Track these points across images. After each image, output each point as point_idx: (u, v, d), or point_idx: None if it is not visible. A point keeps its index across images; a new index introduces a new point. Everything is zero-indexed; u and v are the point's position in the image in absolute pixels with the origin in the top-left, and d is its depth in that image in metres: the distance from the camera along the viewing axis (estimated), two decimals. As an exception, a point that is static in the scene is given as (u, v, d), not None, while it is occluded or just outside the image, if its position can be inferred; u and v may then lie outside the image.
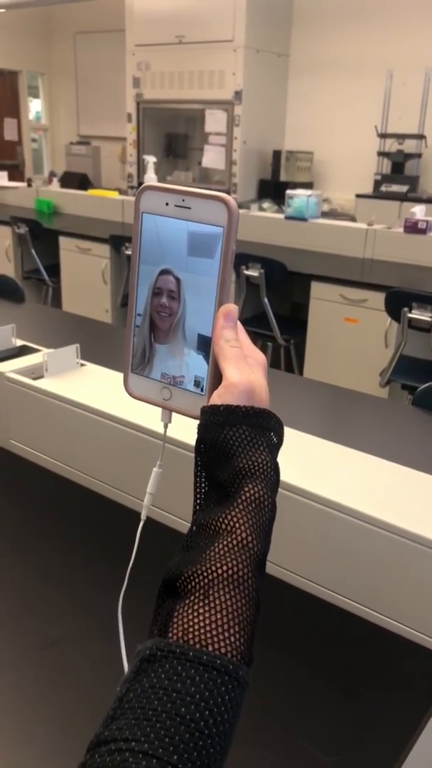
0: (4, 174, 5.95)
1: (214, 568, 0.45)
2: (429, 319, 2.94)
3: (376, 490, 1.06)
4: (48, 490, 1.34)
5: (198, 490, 0.52)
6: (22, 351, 1.60)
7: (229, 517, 0.48)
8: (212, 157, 6.45)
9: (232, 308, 0.55)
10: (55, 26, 8.41)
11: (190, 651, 0.41)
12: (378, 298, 3.20)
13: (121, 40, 6.63)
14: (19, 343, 1.63)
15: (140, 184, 6.43)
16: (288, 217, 4.29)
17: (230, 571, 0.45)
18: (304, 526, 1.05)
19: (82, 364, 1.51)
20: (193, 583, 0.45)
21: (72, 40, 8.32)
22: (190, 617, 0.43)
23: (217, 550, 0.46)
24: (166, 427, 0.62)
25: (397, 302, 3.04)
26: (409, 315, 2.99)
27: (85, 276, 4.47)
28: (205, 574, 0.45)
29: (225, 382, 0.53)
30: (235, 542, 0.47)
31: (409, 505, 1.02)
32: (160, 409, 0.61)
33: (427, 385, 1.79)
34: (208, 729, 0.39)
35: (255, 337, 3.79)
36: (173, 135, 7.12)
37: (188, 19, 6.12)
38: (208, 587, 0.44)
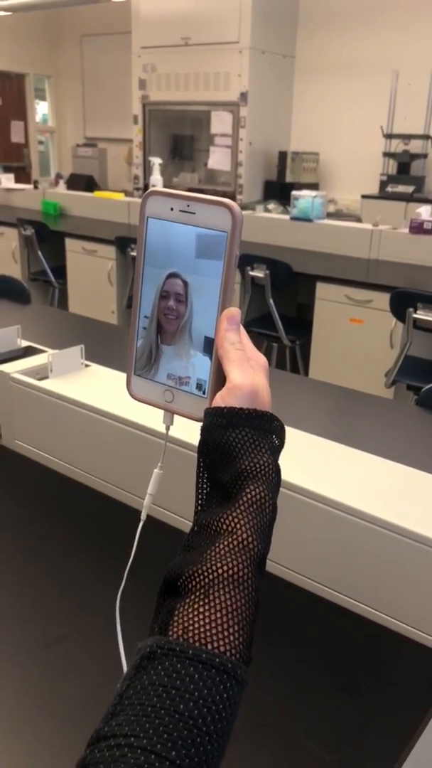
0: (11, 176, 5.98)
1: (214, 568, 0.46)
2: (434, 320, 2.94)
3: (380, 491, 1.06)
4: (52, 490, 1.34)
5: (200, 490, 0.53)
6: (28, 352, 1.60)
7: (230, 517, 0.48)
8: (218, 159, 6.46)
9: (235, 312, 0.56)
10: (62, 29, 8.44)
11: (190, 649, 0.42)
12: (383, 299, 3.19)
13: (128, 43, 6.65)
14: (25, 344, 1.63)
15: (146, 185, 6.45)
16: (293, 218, 4.29)
17: (231, 571, 0.46)
18: (307, 525, 1.05)
19: (86, 365, 1.51)
20: (193, 583, 0.45)
21: (78, 43, 8.34)
22: (191, 616, 0.44)
23: (218, 550, 0.47)
24: (167, 429, 0.63)
25: (402, 303, 3.03)
26: (415, 315, 2.99)
27: (91, 277, 4.48)
28: (205, 573, 0.46)
29: (229, 384, 0.54)
30: (236, 543, 0.47)
31: (413, 505, 1.02)
32: (162, 411, 0.62)
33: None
34: (207, 726, 0.39)
35: (260, 338, 3.79)
36: (179, 137, 7.13)
37: (194, 21, 6.13)
38: (209, 587, 0.45)
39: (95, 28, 7.96)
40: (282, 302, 3.67)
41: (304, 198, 4.25)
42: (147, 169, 6.42)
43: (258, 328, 3.73)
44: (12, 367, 1.47)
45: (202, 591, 0.45)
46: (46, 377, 1.44)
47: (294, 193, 4.34)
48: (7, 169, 6.32)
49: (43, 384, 1.40)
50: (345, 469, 1.13)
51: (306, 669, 0.89)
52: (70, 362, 1.48)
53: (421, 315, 2.98)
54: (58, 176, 5.97)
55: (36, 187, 5.69)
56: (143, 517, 0.63)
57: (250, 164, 6.35)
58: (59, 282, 4.69)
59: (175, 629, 0.44)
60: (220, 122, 6.33)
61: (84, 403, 1.32)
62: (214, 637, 0.43)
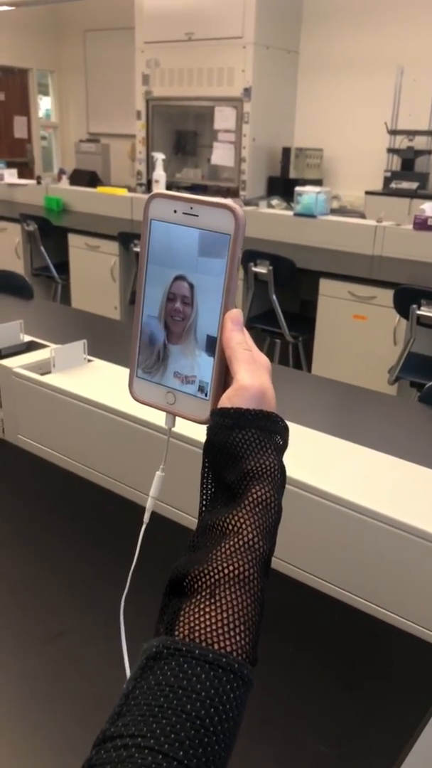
0: (14, 171, 5.97)
1: (220, 568, 0.46)
2: (438, 317, 2.94)
3: (383, 487, 1.06)
4: (55, 485, 1.34)
5: (205, 491, 0.53)
6: (30, 347, 1.61)
7: (236, 518, 0.49)
8: (221, 155, 6.44)
9: (237, 313, 0.56)
10: (65, 24, 8.42)
11: (196, 649, 0.42)
12: (387, 295, 3.19)
13: (131, 38, 6.63)
14: (27, 339, 1.64)
15: (149, 181, 6.45)
16: (297, 214, 4.28)
17: (236, 571, 0.46)
18: (310, 521, 1.05)
19: (89, 360, 1.51)
20: (199, 583, 0.46)
21: (82, 38, 8.33)
22: (197, 616, 0.44)
23: (223, 550, 0.47)
24: (169, 431, 0.63)
25: (405, 299, 3.03)
26: (418, 312, 2.98)
27: (94, 273, 4.48)
28: (211, 573, 0.46)
29: (236, 384, 0.54)
30: (241, 543, 0.47)
31: (416, 501, 1.02)
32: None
33: (434, 382, 1.78)
34: (213, 726, 0.39)
35: (263, 334, 3.79)
36: (182, 132, 7.11)
37: (198, 16, 6.11)
38: (215, 587, 0.45)
39: (98, 23, 7.94)
40: (285, 298, 3.67)
41: (307, 194, 4.24)
42: (150, 165, 6.42)
43: (261, 324, 3.72)
44: (15, 362, 1.47)
45: (208, 591, 0.45)
46: (49, 372, 1.44)
47: (298, 189, 4.33)
48: (10, 165, 6.30)
49: (46, 379, 1.40)
50: (347, 465, 1.13)
51: (307, 664, 0.90)
52: (72, 357, 1.48)
53: (424, 311, 2.97)
54: (61, 172, 5.97)
55: (39, 183, 5.69)
56: (146, 519, 0.63)
57: (253, 160, 6.34)
58: (62, 278, 4.69)
59: (182, 629, 0.44)
60: (224, 118, 6.31)
61: (87, 398, 1.32)
62: (221, 637, 0.43)
